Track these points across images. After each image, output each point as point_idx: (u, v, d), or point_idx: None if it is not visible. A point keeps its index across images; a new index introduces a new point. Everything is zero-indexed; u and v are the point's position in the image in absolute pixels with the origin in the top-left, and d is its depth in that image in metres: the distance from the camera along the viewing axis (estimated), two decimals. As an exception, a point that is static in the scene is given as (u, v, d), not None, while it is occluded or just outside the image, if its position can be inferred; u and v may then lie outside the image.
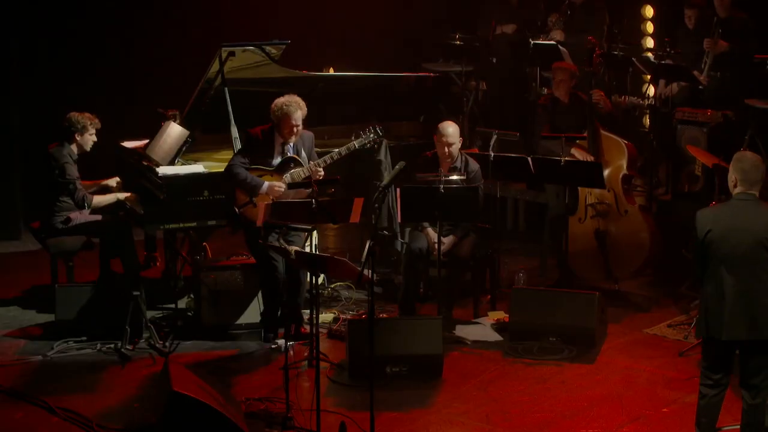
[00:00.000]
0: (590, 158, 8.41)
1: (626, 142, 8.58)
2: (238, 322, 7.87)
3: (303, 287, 7.70)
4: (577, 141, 8.44)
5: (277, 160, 7.72)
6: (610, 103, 9.08)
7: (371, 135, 8.03)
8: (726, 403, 5.83)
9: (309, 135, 7.87)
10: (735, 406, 6.02)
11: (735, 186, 5.59)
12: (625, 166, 8.47)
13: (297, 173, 7.67)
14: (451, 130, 7.88)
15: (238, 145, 8.08)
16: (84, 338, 7.63)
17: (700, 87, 9.35)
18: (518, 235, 10.26)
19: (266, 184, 7.60)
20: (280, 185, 7.60)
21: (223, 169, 7.85)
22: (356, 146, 8.00)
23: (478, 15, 11.41)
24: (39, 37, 10.71)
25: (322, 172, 7.70)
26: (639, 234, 8.44)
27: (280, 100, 7.63)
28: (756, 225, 5.47)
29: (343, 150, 7.92)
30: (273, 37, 8.64)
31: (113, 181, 8.44)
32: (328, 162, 7.80)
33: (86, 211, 8.19)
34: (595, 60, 8.91)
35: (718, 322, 5.55)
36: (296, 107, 7.60)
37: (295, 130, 7.65)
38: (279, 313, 7.75)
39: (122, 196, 8.26)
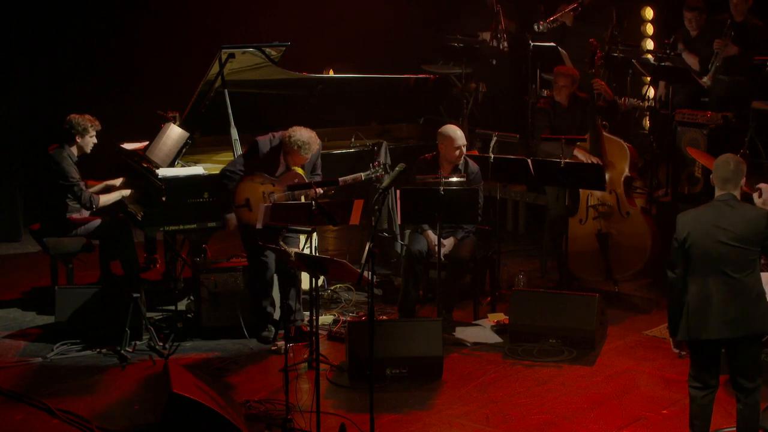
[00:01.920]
0: (593, 159, 8.42)
1: (627, 144, 8.59)
2: (238, 323, 7.86)
3: (298, 288, 7.70)
4: (578, 143, 8.44)
5: (281, 171, 7.70)
6: (611, 92, 9.08)
7: (380, 169, 8.16)
8: (726, 405, 5.84)
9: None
10: (734, 409, 6.02)
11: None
12: (627, 168, 8.48)
13: (300, 192, 7.65)
14: (459, 132, 7.90)
15: (238, 147, 8.09)
16: (78, 341, 7.61)
17: (706, 87, 9.34)
18: (518, 237, 10.27)
19: (231, 215, 7.64)
20: (234, 222, 7.66)
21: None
22: (362, 178, 8.10)
23: (458, 21, 11.46)
24: (39, 39, 10.72)
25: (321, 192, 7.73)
26: (640, 236, 8.44)
27: (300, 137, 7.52)
28: (734, 224, 5.55)
29: (349, 179, 7.99)
30: (273, 39, 8.65)
31: (118, 181, 8.46)
32: (332, 192, 7.86)
33: (86, 213, 8.21)
34: (596, 62, 8.92)
35: (701, 323, 5.59)
36: (309, 150, 7.57)
37: (299, 164, 7.66)
38: (274, 314, 7.76)
39: (126, 193, 8.30)
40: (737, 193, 5.66)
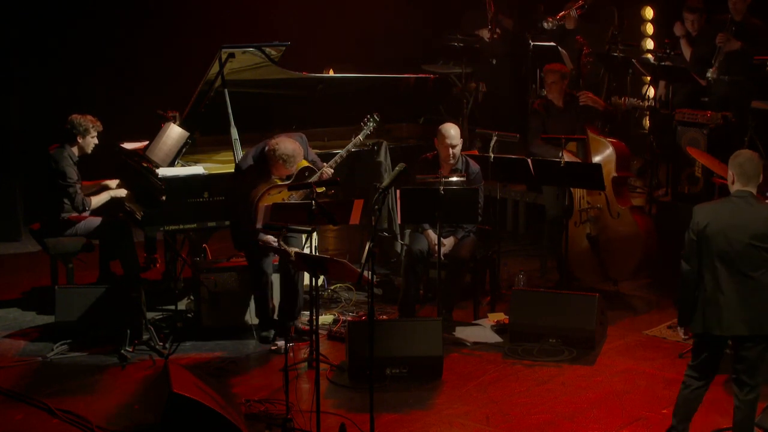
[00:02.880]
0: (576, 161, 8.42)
1: (615, 142, 8.55)
2: (238, 323, 7.87)
3: (299, 289, 7.70)
4: (567, 145, 8.40)
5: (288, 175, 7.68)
6: (602, 101, 9.08)
7: (371, 123, 8.08)
8: (726, 404, 5.84)
9: (301, 137, 7.84)
10: (733, 407, 6.03)
11: (733, 183, 5.67)
12: (614, 168, 8.46)
13: (314, 179, 7.65)
14: (453, 131, 7.88)
15: (238, 146, 8.08)
16: (78, 341, 7.61)
17: (711, 80, 9.36)
18: (518, 236, 10.27)
19: (262, 236, 7.50)
20: (269, 239, 7.50)
21: (224, 170, 7.86)
22: (361, 139, 8.05)
23: (458, 20, 11.48)
24: (39, 38, 10.71)
25: (332, 172, 7.74)
26: (631, 236, 8.43)
27: (285, 151, 7.41)
28: (752, 222, 5.53)
29: (351, 146, 7.96)
30: (273, 39, 8.65)
31: (113, 183, 8.46)
32: (339, 161, 7.85)
33: (86, 213, 8.21)
34: (582, 60, 8.90)
35: (715, 319, 5.60)
36: (293, 163, 7.49)
37: (286, 176, 7.62)
38: (275, 314, 7.77)
39: (114, 193, 8.30)
40: (755, 190, 5.64)
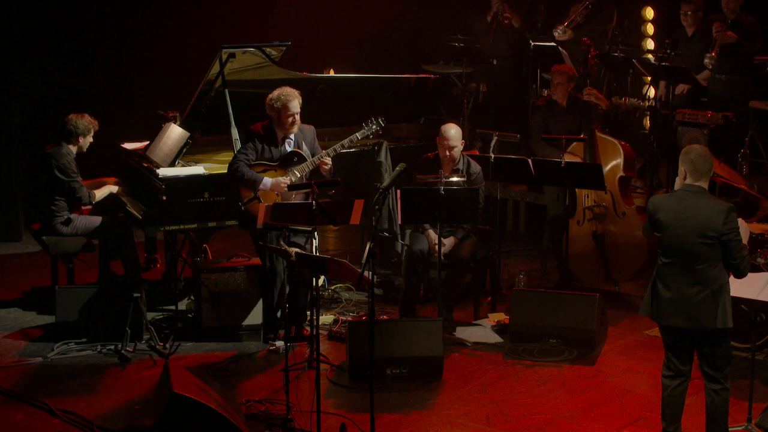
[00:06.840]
0: None
1: (623, 143, 8.57)
2: (239, 323, 7.87)
3: (308, 291, 7.70)
4: (572, 145, 8.41)
5: (279, 155, 7.71)
6: (605, 99, 9.08)
7: (373, 126, 7.97)
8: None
9: (310, 129, 7.84)
10: (735, 408, 6.03)
11: (685, 178, 5.71)
12: (621, 168, 8.47)
13: (301, 168, 7.65)
14: (453, 132, 7.88)
15: (238, 146, 8.08)
16: (84, 340, 7.63)
17: (706, 84, 9.38)
18: (519, 236, 10.27)
19: (267, 179, 7.57)
20: (285, 180, 7.57)
21: (224, 171, 7.87)
22: (359, 137, 7.95)
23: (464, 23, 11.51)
24: (39, 38, 10.72)
25: (330, 163, 7.70)
26: (637, 236, 8.44)
27: (275, 93, 7.61)
28: (698, 218, 5.57)
29: (346, 142, 7.85)
30: (273, 39, 8.66)
31: (111, 181, 8.46)
32: (332, 154, 7.78)
33: (89, 207, 8.23)
34: (590, 61, 8.91)
35: (660, 308, 5.68)
36: (292, 96, 7.58)
37: (294, 119, 7.62)
38: (279, 314, 7.76)
39: (114, 188, 8.32)
40: (705, 186, 5.69)
